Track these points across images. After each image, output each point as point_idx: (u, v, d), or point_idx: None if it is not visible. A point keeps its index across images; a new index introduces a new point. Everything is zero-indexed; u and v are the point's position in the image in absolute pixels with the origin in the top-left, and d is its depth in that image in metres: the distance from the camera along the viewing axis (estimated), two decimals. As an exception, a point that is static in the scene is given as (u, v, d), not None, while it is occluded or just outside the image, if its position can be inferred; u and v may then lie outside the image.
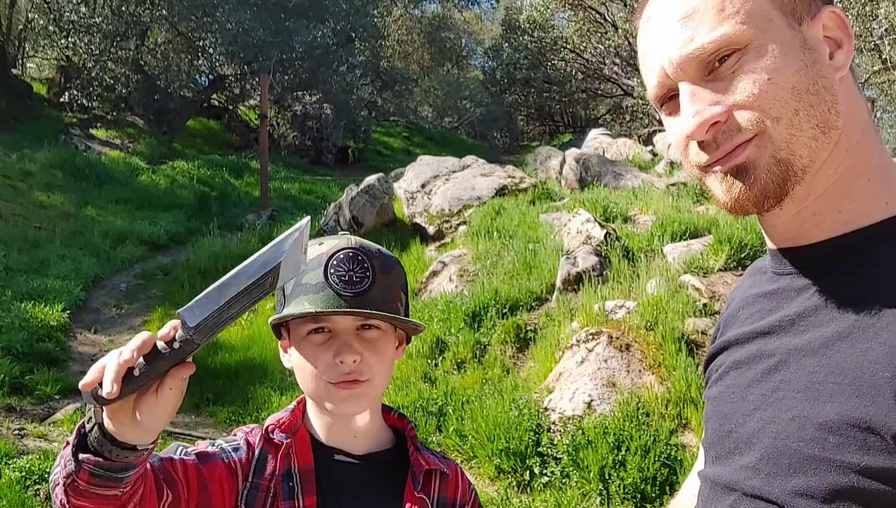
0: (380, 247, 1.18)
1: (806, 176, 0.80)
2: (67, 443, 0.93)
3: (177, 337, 0.88)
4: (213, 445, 1.14)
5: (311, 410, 1.19)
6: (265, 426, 1.17)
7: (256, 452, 1.14)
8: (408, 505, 1.15)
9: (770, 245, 0.92)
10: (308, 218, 0.96)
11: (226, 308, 0.87)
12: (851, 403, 0.74)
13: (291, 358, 1.17)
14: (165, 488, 1.01)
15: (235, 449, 1.13)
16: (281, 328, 1.19)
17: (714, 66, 0.80)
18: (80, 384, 0.88)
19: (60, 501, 0.93)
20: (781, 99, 0.78)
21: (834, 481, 0.74)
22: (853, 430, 0.73)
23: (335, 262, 1.10)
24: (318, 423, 1.18)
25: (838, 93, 0.80)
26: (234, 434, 1.18)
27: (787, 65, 0.78)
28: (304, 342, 1.13)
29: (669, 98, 0.85)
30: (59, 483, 0.92)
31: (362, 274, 1.10)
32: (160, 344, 0.88)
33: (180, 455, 1.09)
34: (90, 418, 0.91)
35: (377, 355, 1.13)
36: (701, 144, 0.82)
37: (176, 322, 0.89)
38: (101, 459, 0.90)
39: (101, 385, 0.85)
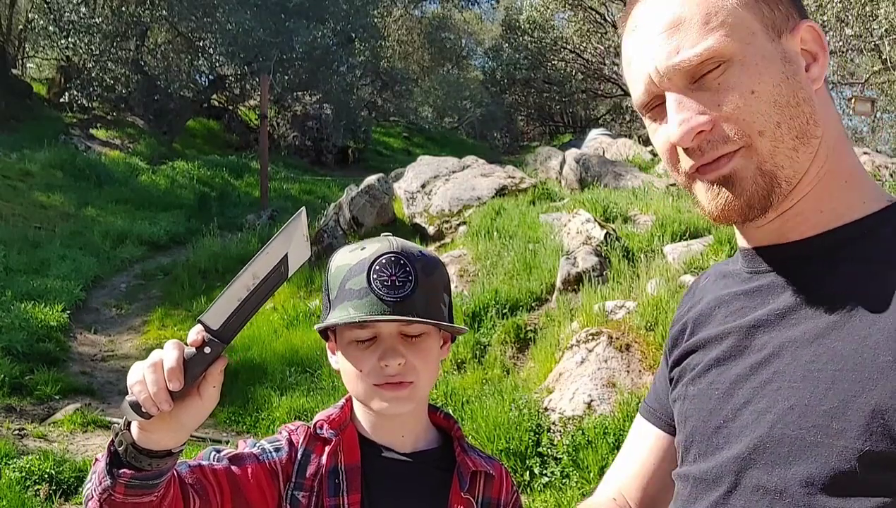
0: (421, 248, 1.19)
1: (791, 187, 0.83)
2: (97, 459, 0.96)
3: (205, 339, 0.93)
4: (255, 446, 1.15)
5: (358, 409, 1.20)
6: (313, 422, 1.18)
7: (300, 452, 1.14)
8: (454, 506, 1.15)
9: (744, 244, 0.94)
10: (303, 208, 1.01)
11: (245, 303, 0.95)
12: (854, 388, 0.74)
13: (338, 361, 1.19)
14: (192, 494, 1.03)
15: (277, 450, 1.14)
16: (327, 330, 1.20)
17: (699, 77, 0.82)
18: (128, 401, 0.91)
19: None
20: (765, 112, 0.81)
21: (836, 467, 0.74)
22: (856, 415, 0.74)
23: (377, 267, 1.11)
24: (366, 421, 1.19)
25: (816, 104, 0.83)
26: (279, 433, 1.18)
27: (770, 78, 0.81)
28: (349, 346, 1.15)
29: (655, 105, 0.88)
30: (93, 497, 0.95)
31: (405, 278, 1.11)
32: (189, 351, 0.92)
33: (211, 460, 1.10)
34: (121, 440, 0.94)
35: (422, 357, 1.14)
36: (686, 151, 0.85)
37: (198, 327, 0.94)
38: (136, 471, 0.93)
39: (139, 401, 0.90)
